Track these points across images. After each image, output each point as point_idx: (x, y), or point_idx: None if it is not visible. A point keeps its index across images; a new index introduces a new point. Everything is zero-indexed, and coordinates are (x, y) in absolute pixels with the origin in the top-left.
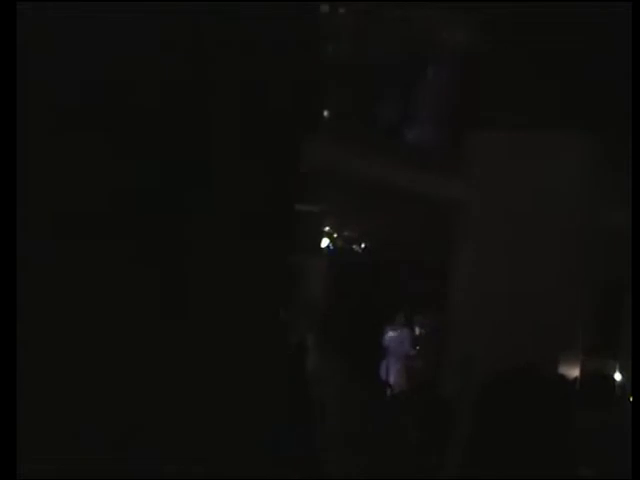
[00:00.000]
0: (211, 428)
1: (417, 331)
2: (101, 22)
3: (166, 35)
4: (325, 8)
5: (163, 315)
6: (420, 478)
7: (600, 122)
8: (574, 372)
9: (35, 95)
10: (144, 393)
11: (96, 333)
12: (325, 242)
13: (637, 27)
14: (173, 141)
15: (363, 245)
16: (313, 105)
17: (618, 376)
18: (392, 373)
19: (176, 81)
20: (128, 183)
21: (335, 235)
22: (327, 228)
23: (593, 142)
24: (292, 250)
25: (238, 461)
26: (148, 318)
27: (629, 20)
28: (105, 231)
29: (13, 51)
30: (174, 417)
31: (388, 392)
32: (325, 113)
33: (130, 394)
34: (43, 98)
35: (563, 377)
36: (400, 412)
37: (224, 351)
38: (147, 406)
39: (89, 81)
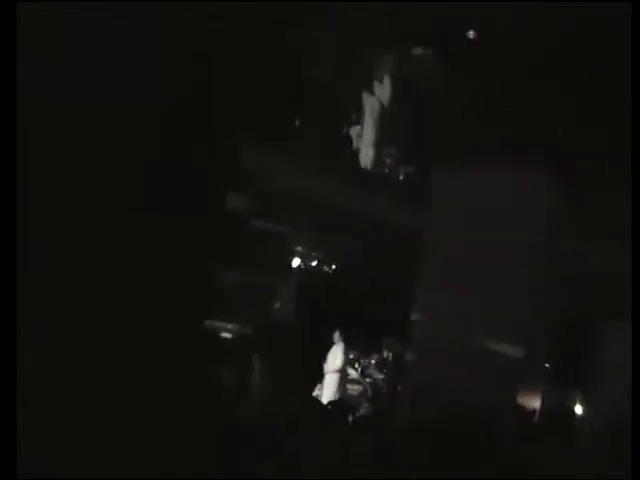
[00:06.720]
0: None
1: (385, 354)
2: (101, 23)
3: (165, 35)
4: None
5: (163, 316)
6: None
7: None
8: (534, 403)
9: (35, 95)
10: (144, 394)
11: (96, 335)
12: (296, 262)
13: (637, 27)
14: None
15: (334, 266)
16: (282, 126)
17: (579, 407)
18: (324, 387)
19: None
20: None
21: (306, 255)
22: (299, 248)
23: (557, 180)
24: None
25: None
26: (150, 320)
27: (629, 20)
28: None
29: (13, 51)
30: (174, 417)
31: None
32: (296, 134)
33: (130, 395)
34: (43, 98)
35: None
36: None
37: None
38: (147, 407)
39: (89, 81)
